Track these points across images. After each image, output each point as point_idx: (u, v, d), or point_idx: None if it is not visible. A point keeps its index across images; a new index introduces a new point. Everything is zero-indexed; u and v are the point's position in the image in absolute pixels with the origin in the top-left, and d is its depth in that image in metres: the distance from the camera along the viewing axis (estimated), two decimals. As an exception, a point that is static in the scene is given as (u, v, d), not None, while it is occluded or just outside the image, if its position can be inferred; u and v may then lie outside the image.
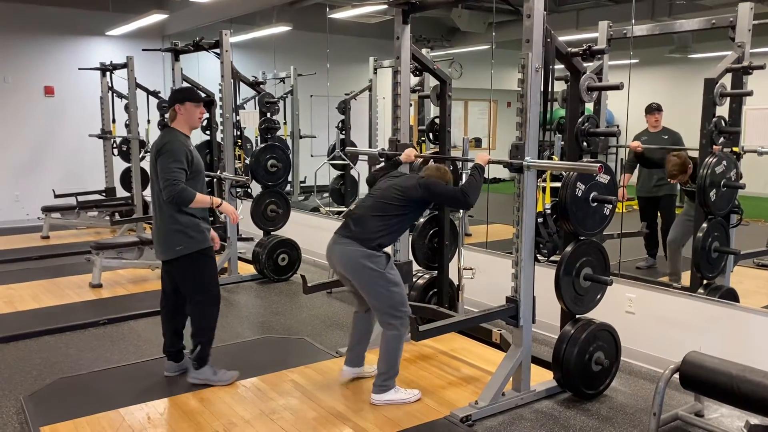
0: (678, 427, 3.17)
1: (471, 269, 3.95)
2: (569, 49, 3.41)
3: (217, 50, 5.91)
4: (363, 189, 7.73)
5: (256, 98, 6.44)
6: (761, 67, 4.02)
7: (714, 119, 4.04)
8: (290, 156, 7.09)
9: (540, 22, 3.19)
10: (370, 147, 8.09)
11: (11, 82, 8.92)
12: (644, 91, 5.98)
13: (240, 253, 6.42)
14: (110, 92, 8.43)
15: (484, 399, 3.33)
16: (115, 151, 8.60)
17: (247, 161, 6.20)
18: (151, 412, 3.35)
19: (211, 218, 3.74)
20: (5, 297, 5.42)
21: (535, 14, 3.16)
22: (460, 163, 3.85)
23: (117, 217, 8.07)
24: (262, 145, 6.17)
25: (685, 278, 4.47)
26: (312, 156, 8.92)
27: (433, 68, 4.32)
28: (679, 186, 5.13)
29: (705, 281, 4.17)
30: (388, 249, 3.48)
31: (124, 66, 7.82)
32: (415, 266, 4.39)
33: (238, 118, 6.03)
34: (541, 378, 3.64)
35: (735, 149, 4.22)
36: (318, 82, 8.39)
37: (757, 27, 4.07)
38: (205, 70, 7.84)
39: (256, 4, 8.15)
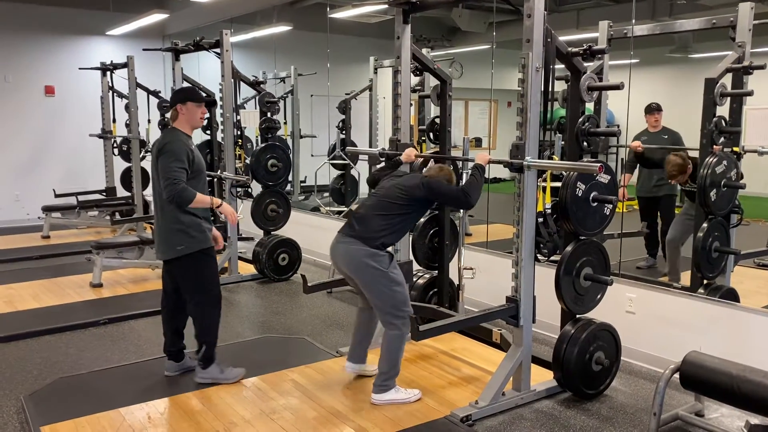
0: (678, 427, 3.17)
1: (471, 269, 3.95)
2: (570, 48, 3.41)
3: (218, 50, 5.91)
4: (363, 189, 7.74)
5: (257, 98, 6.44)
6: (762, 67, 4.02)
7: (714, 119, 4.04)
8: (290, 156, 7.09)
9: (540, 22, 3.19)
10: (370, 147, 8.09)
11: (12, 81, 8.93)
12: (645, 91, 5.98)
13: (240, 252, 6.43)
14: (111, 92, 8.43)
15: (485, 399, 3.33)
16: (116, 150, 8.60)
17: (248, 161, 6.20)
18: (151, 412, 3.35)
19: (212, 218, 3.74)
20: (6, 297, 5.42)
21: (535, 14, 3.16)
22: (461, 162, 3.85)
23: (117, 216, 8.06)
24: (263, 145, 6.17)
25: (686, 278, 4.47)
26: (312, 156, 8.92)
27: (433, 68, 4.32)
28: (679, 186, 5.13)
29: (705, 281, 4.17)
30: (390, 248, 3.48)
31: (124, 66, 7.83)
32: (416, 266, 4.39)
33: (238, 117, 6.03)
34: (542, 378, 3.64)
35: (735, 149, 4.22)
36: (318, 81, 8.40)
37: (757, 27, 4.06)
38: (205, 69, 7.85)
39: (257, 4, 8.15)
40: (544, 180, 3.66)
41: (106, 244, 5.93)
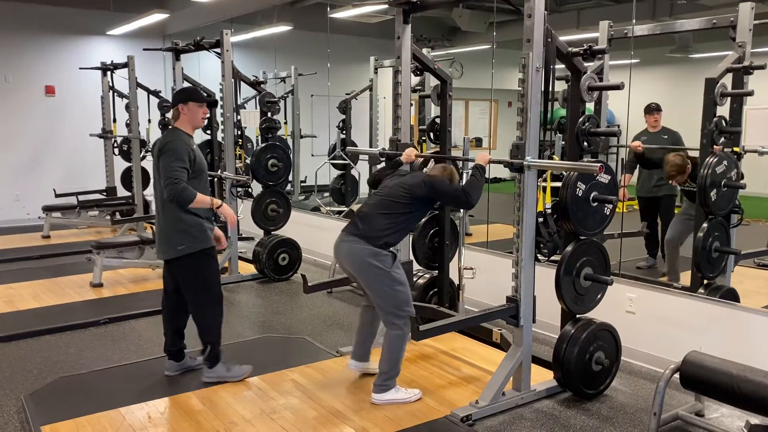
0: (678, 426, 3.17)
1: (471, 269, 3.95)
2: (570, 48, 3.41)
3: (218, 50, 5.91)
4: (363, 189, 7.74)
5: (257, 98, 6.45)
6: (762, 67, 4.02)
7: (715, 119, 4.04)
8: (291, 155, 7.09)
9: (541, 22, 3.19)
10: (370, 147, 8.09)
11: (12, 81, 8.93)
12: (645, 91, 5.98)
13: (240, 252, 6.43)
14: (111, 92, 8.43)
15: (485, 398, 3.33)
16: (116, 150, 8.61)
17: (248, 161, 6.21)
18: (151, 412, 3.35)
19: (214, 218, 3.75)
20: (6, 296, 5.43)
21: (535, 14, 3.16)
22: (461, 162, 3.85)
23: (118, 216, 8.07)
24: (263, 145, 6.17)
25: (686, 278, 4.47)
26: (312, 155, 8.92)
27: (433, 68, 4.32)
28: (678, 186, 5.13)
29: (705, 281, 4.17)
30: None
31: (124, 65, 7.83)
32: (416, 266, 4.40)
33: (238, 117, 6.03)
34: (542, 378, 3.64)
35: (736, 149, 4.22)
36: (319, 81, 8.40)
37: (757, 27, 4.07)
38: (205, 69, 7.85)
39: (257, 4, 8.15)
40: (545, 180, 3.66)
41: (106, 243, 5.93)
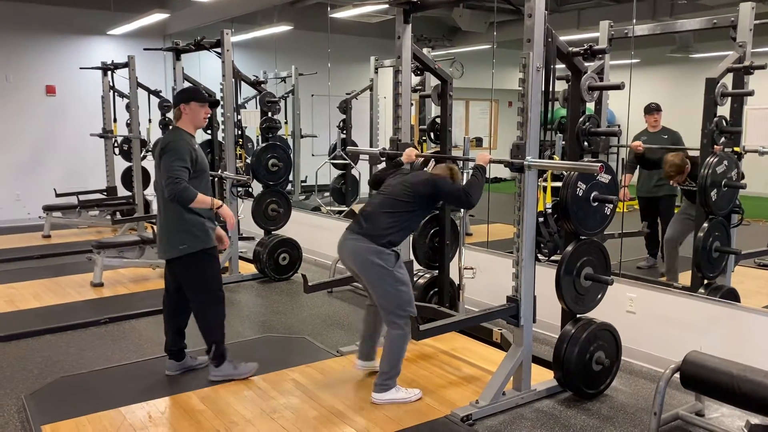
0: (678, 426, 3.17)
1: (472, 269, 3.95)
2: (570, 48, 3.41)
3: (219, 49, 5.91)
4: (364, 188, 7.74)
5: (258, 97, 6.45)
6: (762, 67, 4.02)
7: (715, 119, 4.04)
8: (291, 155, 7.10)
9: (541, 22, 3.19)
10: (371, 146, 8.10)
11: (12, 81, 8.93)
12: (645, 91, 5.98)
13: (241, 252, 6.43)
14: (111, 91, 8.44)
15: (485, 398, 3.33)
16: (117, 150, 8.62)
17: (248, 160, 6.21)
18: (152, 411, 3.35)
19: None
20: (7, 296, 5.43)
21: (536, 14, 3.16)
22: (461, 162, 3.86)
23: (118, 216, 8.08)
24: (264, 145, 6.17)
25: (686, 278, 4.47)
26: (313, 155, 8.92)
27: (434, 68, 4.32)
28: (678, 186, 5.13)
29: (706, 281, 4.17)
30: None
31: (125, 65, 7.84)
32: (416, 266, 4.40)
33: (239, 117, 6.04)
34: (542, 377, 3.64)
35: (736, 149, 4.23)
36: (319, 81, 8.40)
37: (758, 27, 4.07)
38: (206, 69, 7.85)
39: (258, 4, 8.16)
40: (545, 180, 3.66)
41: (106, 243, 5.94)
